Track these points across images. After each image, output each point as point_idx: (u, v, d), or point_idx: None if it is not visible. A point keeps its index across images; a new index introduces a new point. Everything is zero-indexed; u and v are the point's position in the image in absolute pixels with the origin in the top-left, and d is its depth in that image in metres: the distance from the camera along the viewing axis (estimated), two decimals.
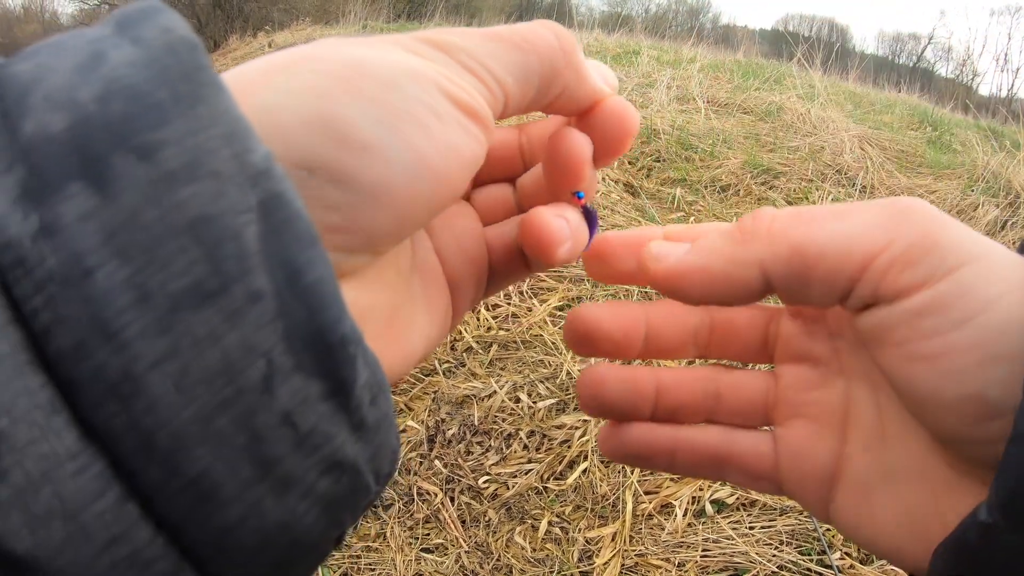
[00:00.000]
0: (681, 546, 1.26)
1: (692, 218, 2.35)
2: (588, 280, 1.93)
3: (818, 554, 1.23)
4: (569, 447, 1.47)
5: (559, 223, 0.21)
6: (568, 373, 1.63)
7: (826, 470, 0.21)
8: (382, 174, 0.16)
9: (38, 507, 0.12)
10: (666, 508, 1.33)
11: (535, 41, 0.19)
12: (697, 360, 0.25)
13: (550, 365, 1.67)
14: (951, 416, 0.17)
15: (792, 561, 1.21)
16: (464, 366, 1.69)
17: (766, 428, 0.23)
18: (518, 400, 1.59)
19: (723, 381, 0.24)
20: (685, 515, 1.30)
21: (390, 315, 0.19)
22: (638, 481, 1.38)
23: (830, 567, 1.19)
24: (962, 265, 0.17)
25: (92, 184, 0.13)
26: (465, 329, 1.78)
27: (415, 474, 1.46)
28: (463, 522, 1.37)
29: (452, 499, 1.41)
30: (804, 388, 0.23)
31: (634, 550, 1.26)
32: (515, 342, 1.74)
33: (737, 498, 1.34)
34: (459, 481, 1.44)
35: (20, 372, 0.12)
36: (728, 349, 0.24)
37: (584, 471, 1.41)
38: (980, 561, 0.17)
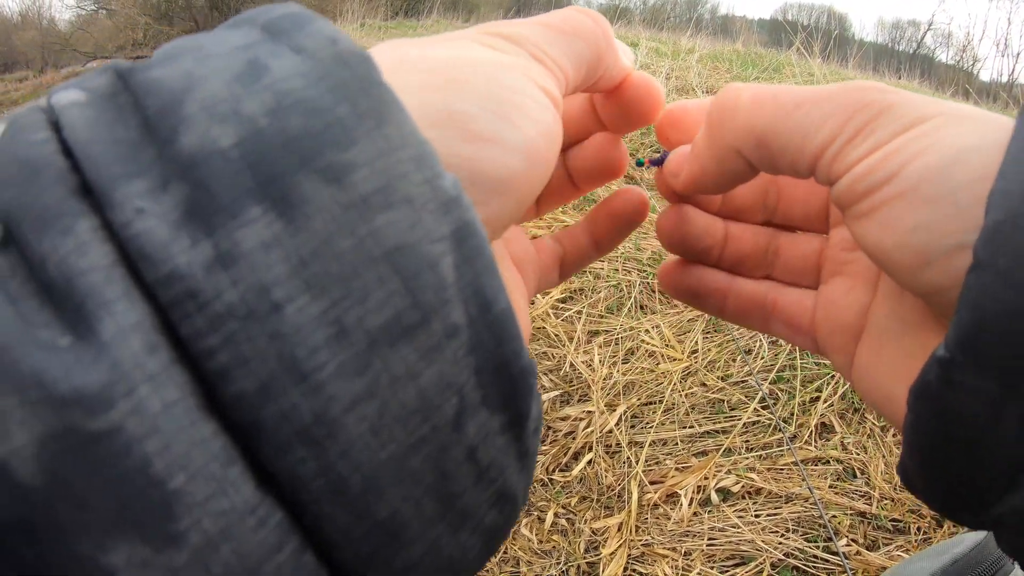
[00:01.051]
0: (687, 535, 1.26)
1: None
2: (590, 272, 1.93)
3: (824, 541, 1.23)
4: (574, 438, 1.47)
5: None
6: (571, 365, 1.63)
7: (854, 322, 0.23)
8: (506, 164, 0.16)
9: (217, 568, 0.11)
10: (672, 498, 1.34)
11: (580, 28, 0.20)
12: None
13: (553, 357, 1.67)
14: (897, 267, 0.18)
15: (798, 548, 1.22)
16: None
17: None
18: None
19: (783, 239, 0.26)
20: (691, 504, 1.31)
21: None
22: (643, 471, 1.39)
23: (836, 554, 1.20)
24: (901, 133, 0.17)
25: (274, 207, 0.12)
26: None
27: None
28: None
29: None
30: (848, 248, 0.24)
31: (640, 540, 1.26)
32: None
33: (742, 487, 1.34)
34: None
35: (192, 420, 0.11)
36: (792, 215, 0.26)
37: (589, 462, 1.42)
38: (938, 401, 0.16)
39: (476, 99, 0.16)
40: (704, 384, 1.58)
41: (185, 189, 0.12)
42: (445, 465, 0.13)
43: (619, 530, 1.29)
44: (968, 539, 0.61)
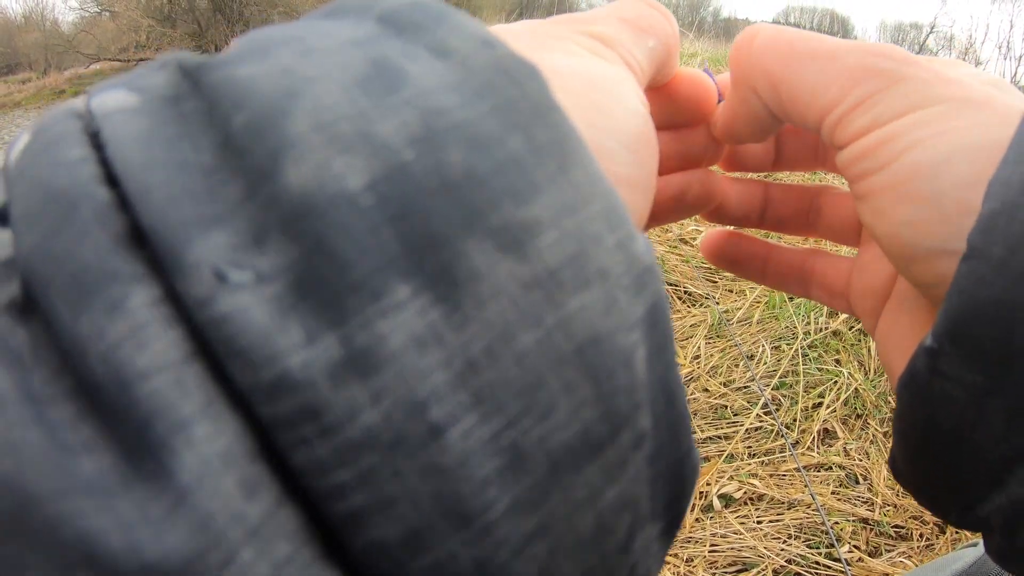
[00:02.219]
0: (689, 541, 1.26)
1: None
2: None
3: (827, 547, 1.22)
4: None
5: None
6: None
7: (881, 287, 0.22)
8: (639, 209, 0.14)
9: None
10: None
11: (655, 25, 0.18)
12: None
13: None
14: (888, 254, 0.17)
15: (800, 555, 1.21)
16: None
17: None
18: None
19: (825, 197, 0.25)
20: (693, 510, 1.30)
21: None
22: None
23: (838, 560, 1.19)
24: (903, 114, 0.16)
25: (430, 286, 0.09)
26: None
27: None
28: None
29: None
30: None
31: None
32: None
33: (745, 493, 1.33)
34: None
35: None
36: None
37: None
38: (925, 392, 0.15)
39: (617, 133, 0.14)
40: (706, 390, 1.57)
41: (294, 250, 0.08)
42: None
43: None
44: (968, 555, 0.61)
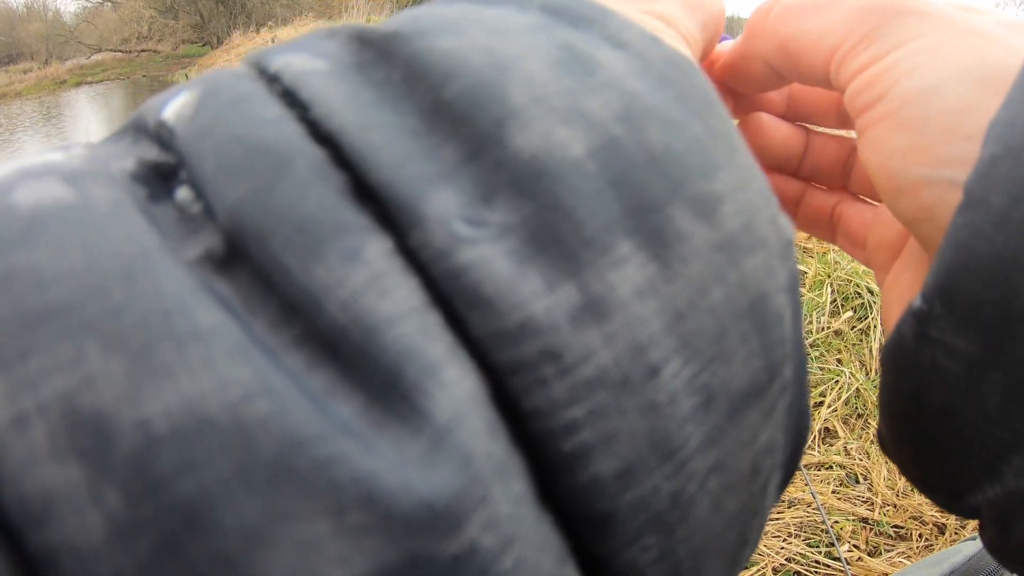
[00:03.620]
0: None
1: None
2: None
3: (826, 546, 1.23)
4: None
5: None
6: None
7: (894, 241, 0.22)
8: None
9: None
10: None
11: (709, 4, 0.18)
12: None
13: None
14: (880, 190, 0.17)
15: (800, 553, 1.21)
16: None
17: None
18: None
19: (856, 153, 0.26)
20: None
21: None
22: None
23: (838, 559, 1.19)
24: (900, 45, 0.16)
25: (647, 245, 0.09)
26: None
27: None
28: None
29: None
30: None
31: None
32: None
33: None
34: None
35: (537, 517, 0.09)
36: None
37: None
38: (912, 361, 0.15)
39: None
40: None
41: (526, 208, 0.09)
42: (746, 533, 0.11)
43: None
44: (967, 548, 0.61)
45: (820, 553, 1.21)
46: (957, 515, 0.17)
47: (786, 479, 0.13)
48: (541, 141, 0.09)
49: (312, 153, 0.09)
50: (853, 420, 1.49)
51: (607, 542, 0.09)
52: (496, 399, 0.09)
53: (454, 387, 0.08)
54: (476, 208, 0.09)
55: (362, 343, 0.08)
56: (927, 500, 1.17)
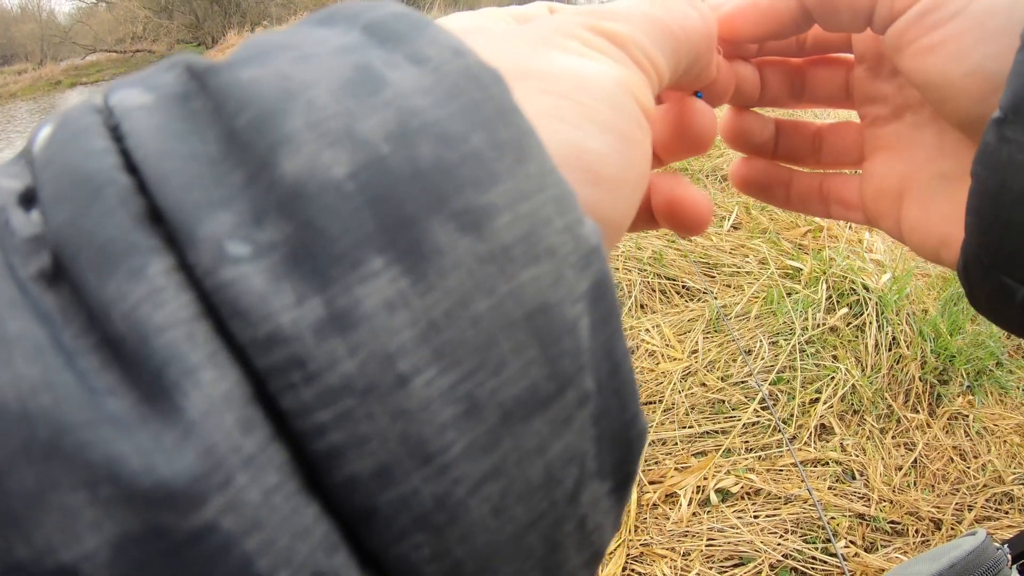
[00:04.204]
0: (686, 535, 1.26)
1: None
2: None
3: (823, 542, 1.23)
4: None
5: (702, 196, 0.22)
6: None
7: (896, 186, 0.25)
8: (625, 206, 0.15)
9: None
10: (671, 498, 1.34)
11: (689, 29, 0.18)
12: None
13: None
14: (964, 97, 0.20)
15: (797, 549, 1.21)
16: None
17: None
18: None
19: (825, 128, 0.28)
20: (690, 504, 1.31)
21: None
22: (642, 471, 1.38)
23: (835, 555, 1.20)
24: None
25: (400, 259, 0.10)
26: None
27: None
28: None
29: None
30: (879, 124, 0.26)
31: (639, 540, 1.26)
32: None
33: (742, 487, 1.34)
34: None
35: (294, 507, 0.10)
36: (818, 94, 0.28)
37: None
38: (995, 158, 0.18)
39: (604, 136, 0.14)
40: (704, 384, 1.58)
41: (287, 228, 0.10)
42: (556, 538, 0.12)
43: (618, 530, 1.29)
44: (966, 543, 0.61)
45: (817, 549, 1.22)
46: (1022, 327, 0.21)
47: (620, 487, 0.13)
48: (305, 164, 0.10)
49: (121, 182, 0.10)
50: (849, 416, 1.49)
51: (374, 537, 0.10)
52: (262, 400, 0.10)
53: (209, 387, 0.09)
54: (247, 229, 0.10)
55: (137, 348, 0.09)
56: (924, 495, 1.17)
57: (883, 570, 1.17)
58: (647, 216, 0.24)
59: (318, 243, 0.10)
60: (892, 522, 1.28)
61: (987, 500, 1.34)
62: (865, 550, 1.22)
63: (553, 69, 0.14)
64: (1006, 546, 0.62)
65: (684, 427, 1.48)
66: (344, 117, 0.11)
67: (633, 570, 1.22)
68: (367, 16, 0.13)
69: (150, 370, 0.09)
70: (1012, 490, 1.36)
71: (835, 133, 0.28)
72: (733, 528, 1.26)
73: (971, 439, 1.47)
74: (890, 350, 1.59)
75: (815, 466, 1.39)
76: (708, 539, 1.25)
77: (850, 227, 2.10)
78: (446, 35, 0.12)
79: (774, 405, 1.50)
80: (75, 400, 0.09)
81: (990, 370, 1.61)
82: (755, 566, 1.20)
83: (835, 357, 1.60)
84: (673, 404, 1.53)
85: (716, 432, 1.46)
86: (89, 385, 0.09)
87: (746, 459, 1.39)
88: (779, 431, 1.44)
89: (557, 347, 0.11)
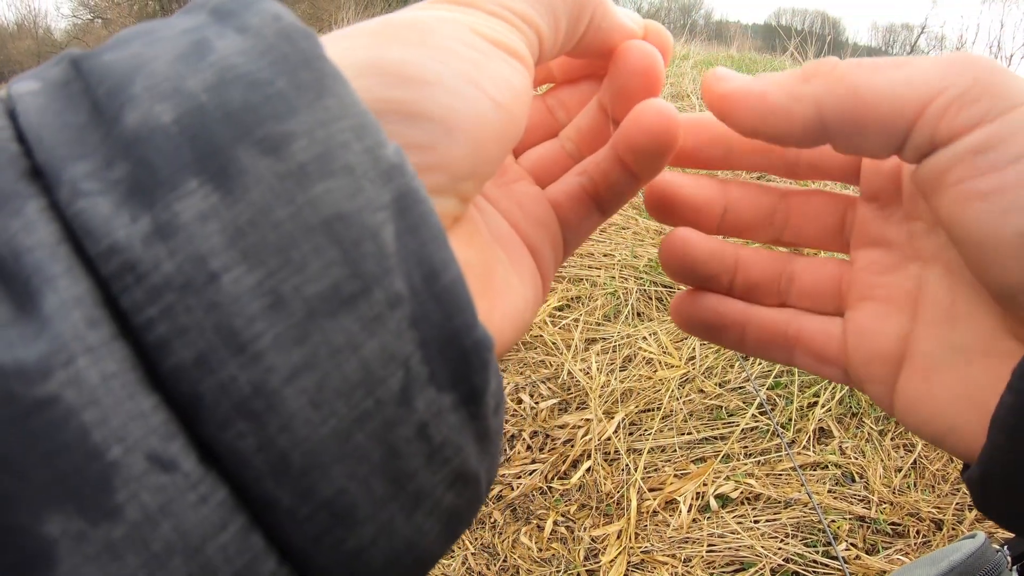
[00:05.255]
0: (687, 542, 1.26)
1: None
2: (587, 280, 1.93)
3: (823, 546, 1.23)
4: (572, 446, 1.47)
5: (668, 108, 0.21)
6: (569, 373, 1.63)
7: (893, 349, 0.21)
8: (449, 104, 0.15)
9: (157, 544, 0.11)
10: (671, 504, 1.34)
11: None
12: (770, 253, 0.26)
13: (551, 365, 1.67)
14: (1011, 258, 0.17)
15: (798, 554, 1.21)
16: None
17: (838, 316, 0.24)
18: (520, 401, 1.59)
19: (798, 264, 0.24)
20: (690, 511, 1.31)
21: (486, 275, 0.19)
22: (642, 478, 1.38)
23: (836, 558, 1.20)
24: (1018, 106, 0.17)
25: (212, 180, 0.12)
26: None
27: None
28: None
29: None
30: (877, 272, 0.22)
31: (640, 547, 1.26)
32: (516, 343, 1.75)
33: (741, 492, 1.34)
34: None
35: (131, 393, 0.11)
36: (803, 233, 0.24)
37: (588, 470, 1.42)
38: None
39: (409, 48, 0.16)
40: (702, 390, 1.58)
41: (127, 166, 0.12)
42: (393, 442, 0.12)
43: (618, 537, 1.29)
44: (965, 546, 0.61)
45: (818, 553, 1.22)
46: None
47: (468, 402, 0.14)
48: (141, 116, 0.12)
49: (11, 149, 0.12)
50: (848, 419, 1.50)
51: (203, 426, 0.11)
52: (110, 306, 0.11)
53: (63, 292, 0.11)
54: (101, 171, 0.12)
55: (13, 267, 0.11)
56: (924, 496, 1.16)
57: (884, 572, 1.16)
58: (622, 174, 0.23)
59: (148, 174, 0.12)
60: (893, 524, 1.28)
61: None
62: (866, 552, 1.22)
63: (363, 24, 0.16)
64: (1006, 548, 0.62)
65: (683, 434, 1.48)
66: (174, 79, 0.13)
67: None
68: (214, 1, 0.15)
69: (20, 282, 0.11)
70: None
71: (809, 270, 0.24)
72: (734, 533, 1.26)
73: None
74: None
75: (814, 470, 1.39)
76: (709, 545, 1.25)
77: None
78: (271, 7, 0.14)
79: (772, 410, 1.51)
80: None
81: None
82: (756, 571, 1.20)
83: None
84: (671, 411, 1.53)
85: (715, 438, 1.47)
86: None
87: (745, 464, 1.39)
88: (778, 436, 1.44)
89: (357, 249, 0.12)
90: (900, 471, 1.39)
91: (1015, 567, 0.61)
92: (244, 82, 0.13)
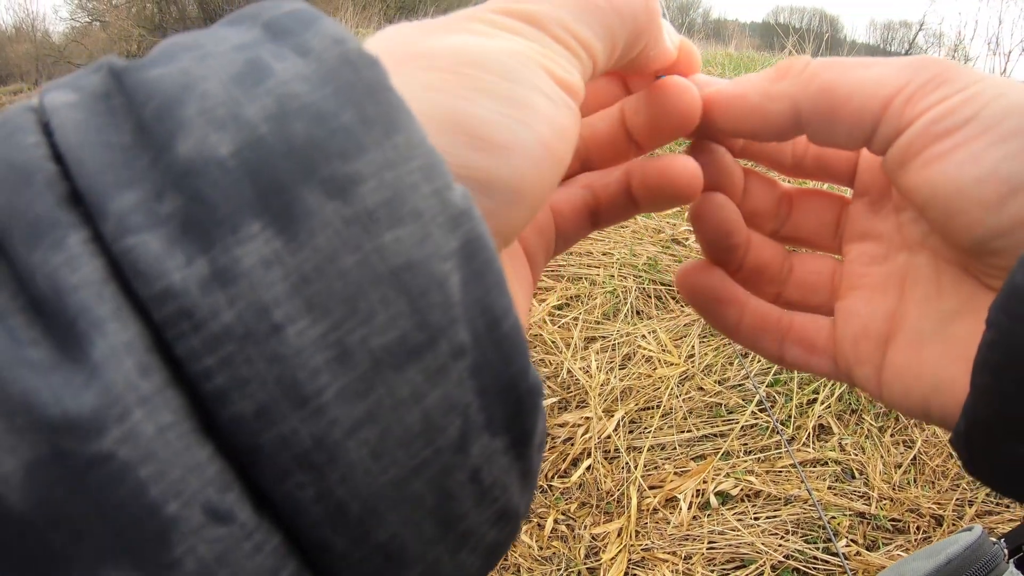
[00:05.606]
0: (687, 539, 1.26)
1: (687, 212, 2.36)
2: (586, 278, 1.94)
3: (824, 542, 1.23)
4: (572, 445, 1.47)
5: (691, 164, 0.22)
6: (568, 371, 1.64)
7: (882, 328, 0.22)
8: (523, 172, 0.15)
9: None
10: (671, 502, 1.34)
11: (618, 2, 0.18)
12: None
13: (550, 364, 1.67)
14: (975, 207, 0.18)
15: (798, 550, 1.22)
16: None
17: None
18: None
19: (797, 257, 0.25)
20: (690, 508, 1.31)
21: None
22: (642, 476, 1.39)
23: (836, 555, 1.20)
24: (975, 83, 0.19)
25: (275, 223, 0.11)
26: None
27: None
28: None
29: None
30: (867, 263, 0.24)
31: (640, 544, 1.26)
32: None
33: (741, 489, 1.34)
34: None
35: (187, 445, 0.11)
36: (801, 228, 0.25)
37: (588, 468, 1.42)
38: (1022, 306, 0.16)
39: (486, 100, 0.15)
40: (701, 388, 1.58)
41: (180, 201, 0.11)
42: (447, 488, 0.12)
43: (619, 535, 1.29)
44: (963, 539, 0.62)
45: (818, 549, 1.22)
46: None
47: (518, 444, 0.14)
48: (195, 146, 0.11)
49: (48, 169, 0.12)
50: (847, 416, 1.50)
51: (262, 476, 0.11)
52: (162, 351, 0.11)
53: (112, 336, 0.11)
54: (150, 204, 0.11)
55: (55, 305, 0.11)
56: (924, 492, 1.16)
57: (885, 568, 1.17)
58: (626, 201, 0.23)
59: (204, 212, 0.11)
60: (893, 520, 1.28)
61: (988, 495, 1.34)
62: (867, 548, 1.23)
63: (437, 48, 0.15)
64: (1003, 541, 0.63)
65: (682, 431, 1.48)
66: (230, 105, 0.12)
67: (635, 574, 1.22)
68: (266, 15, 0.14)
69: (65, 323, 0.11)
70: None
71: (806, 264, 0.25)
72: (734, 530, 1.26)
73: None
74: None
75: (814, 466, 1.39)
76: (709, 542, 1.25)
77: None
78: (332, 28, 0.14)
79: (772, 407, 1.51)
80: (1, 348, 0.10)
81: None
82: (757, 568, 1.20)
83: None
84: (671, 409, 1.53)
85: (714, 435, 1.47)
86: (15, 337, 0.11)
87: (745, 461, 1.40)
88: (777, 433, 1.44)
89: (425, 299, 0.12)
90: (900, 467, 1.39)
91: (1012, 560, 0.62)
92: (308, 114, 0.12)
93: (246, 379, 0.11)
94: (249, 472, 0.11)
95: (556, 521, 1.33)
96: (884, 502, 1.31)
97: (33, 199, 0.11)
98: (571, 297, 1.88)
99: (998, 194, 0.18)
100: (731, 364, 1.63)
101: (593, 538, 1.30)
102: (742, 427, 1.47)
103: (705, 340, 1.71)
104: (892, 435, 1.46)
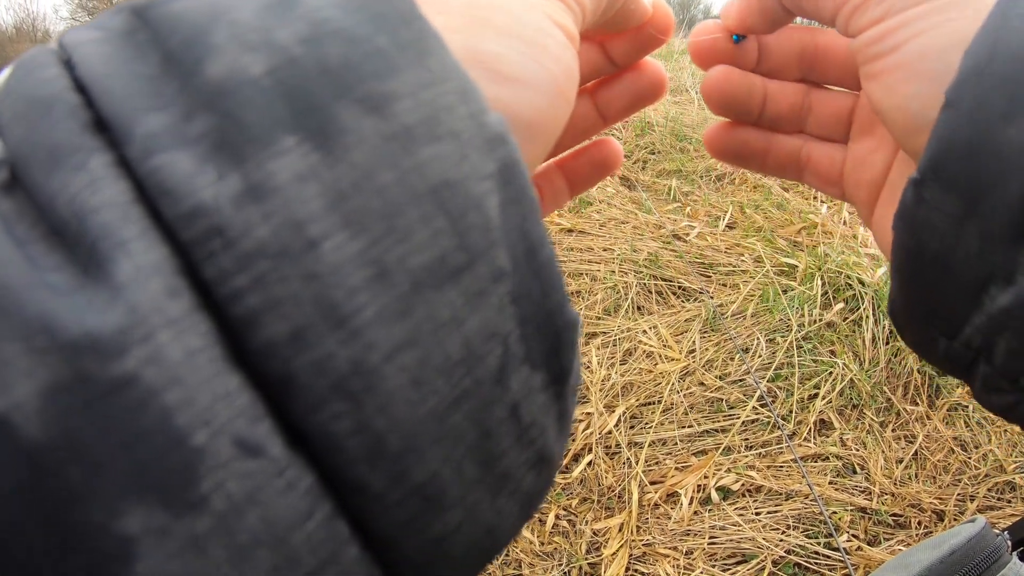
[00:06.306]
0: (688, 534, 1.26)
1: (688, 208, 2.36)
2: (587, 274, 1.93)
3: (825, 537, 1.23)
4: (573, 440, 1.47)
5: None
6: None
7: (876, 179, 0.25)
8: (540, 108, 0.15)
9: (243, 536, 0.10)
10: (672, 497, 1.34)
11: None
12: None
13: None
14: (893, 127, 0.20)
15: (799, 545, 1.22)
16: None
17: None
18: None
19: (815, 96, 0.27)
20: (691, 503, 1.31)
21: None
22: (643, 471, 1.39)
23: (837, 549, 1.20)
24: (914, 5, 0.19)
25: (310, 138, 0.11)
26: None
27: None
28: None
29: None
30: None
31: (641, 540, 1.26)
32: None
33: (742, 485, 1.34)
34: None
35: (217, 371, 0.10)
36: (828, 71, 0.27)
37: (589, 463, 1.42)
38: (912, 218, 0.18)
39: (502, 38, 0.15)
40: (702, 383, 1.58)
41: (212, 120, 0.11)
42: (487, 423, 0.12)
43: (620, 530, 1.29)
44: (966, 530, 0.62)
45: (819, 544, 1.22)
46: (950, 368, 0.20)
47: (556, 382, 0.13)
48: (226, 67, 0.11)
49: (70, 99, 0.11)
50: (848, 411, 1.50)
51: (294, 404, 0.10)
52: (190, 276, 0.10)
53: (138, 257, 0.10)
54: (179, 125, 0.11)
55: (77, 227, 0.10)
56: (925, 487, 1.17)
57: (886, 561, 1.17)
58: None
59: (237, 129, 0.11)
60: (894, 515, 1.28)
61: (989, 490, 1.34)
62: (868, 543, 1.22)
63: None
64: (1006, 533, 0.63)
65: (683, 427, 1.48)
66: (262, 30, 0.12)
67: (636, 570, 1.22)
68: None
69: (87, 246, 0.10)
70: (1014, 479, 1.36)
71: (825, 102, 0.27)
72: (735, 526, 1.26)
73: (971, 429, 1.47)
74: (887, 343, 1.60)
75: (815, 461, 1.39)
76: (710, 537, 1.25)
77: (844, 223, 2.11)
78: None
79: (773, 402, 1.51)
80: (20, 273, 0.10)
81: None
82: (758, 563, 1.20)
83: (832, 352, 1.60)
84: (672, 404, 1.53)
85: (716, 431, 1.47)
86: (35, 264, 0.10)
87: (746, 456, 1.40)
88: (778, 428, 1.44)
89: (464, 220, 0.11)
90: (901, 462, 1.39)
91: (1015, 551, 0.62)
92: (341, 37, 0.12)
93: (279, 299, 0.10)
94: (281, 406, 0.11)
95: (557, 516, 1.33)
96: (885, 497, 1.31)
97: (53, 127, 0.11)
98: (572, 293, 1.88)
99: (907, 127, 0.19)
100: (732, 359, 1.63)
101: (594, 533, 1.30)
102: (743, 422, 1.47)
103: (706, 336, 1.71)
104: (893, 430, 1.46)
